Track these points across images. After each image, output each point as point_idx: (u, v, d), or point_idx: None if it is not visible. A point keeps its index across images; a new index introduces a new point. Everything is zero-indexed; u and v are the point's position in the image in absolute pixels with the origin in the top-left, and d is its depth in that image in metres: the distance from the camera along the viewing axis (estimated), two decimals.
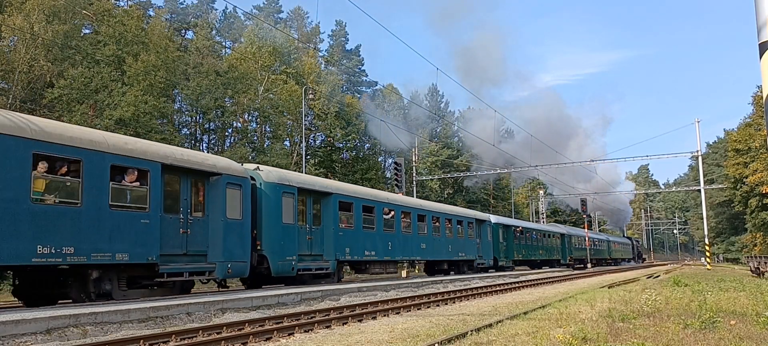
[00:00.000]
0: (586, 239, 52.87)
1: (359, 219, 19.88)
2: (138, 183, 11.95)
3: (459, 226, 27.62)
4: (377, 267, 21.63)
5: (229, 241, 14.08)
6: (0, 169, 9.61)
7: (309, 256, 17.49)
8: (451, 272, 27.78)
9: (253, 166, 17.13)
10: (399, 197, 25.36)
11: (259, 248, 15.56)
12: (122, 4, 45.84)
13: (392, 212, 22.10)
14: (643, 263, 79.37)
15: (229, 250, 14.09)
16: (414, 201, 26.51)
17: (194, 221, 13.44)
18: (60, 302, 11.64)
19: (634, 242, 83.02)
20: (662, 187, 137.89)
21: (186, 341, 8.43)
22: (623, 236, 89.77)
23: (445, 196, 58.36)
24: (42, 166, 10.31)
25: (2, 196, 9.60)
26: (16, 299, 12.51)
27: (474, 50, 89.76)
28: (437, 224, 25.69)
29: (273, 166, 25.62)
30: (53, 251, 10.21)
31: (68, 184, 10.75)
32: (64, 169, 10.77)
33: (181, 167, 13.11)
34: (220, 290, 15.64)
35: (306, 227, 17.51)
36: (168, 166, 12.68)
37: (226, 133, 45.06)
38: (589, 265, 50.47)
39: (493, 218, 33.92)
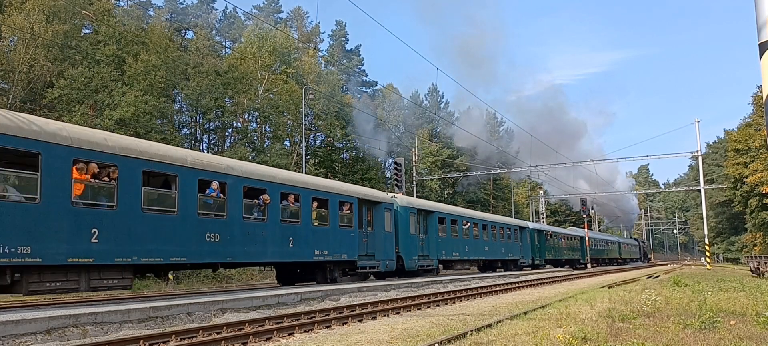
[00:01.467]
0: (604, 240, 63.10)
1: (449, 230, 26.97)
2: (349, 211, 19.15)
3: (509, 232, 34.00)
4: (458, 264, 30.33)
5: (386, 246, 21.24)
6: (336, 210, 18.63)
7: (423, 256, 24.42)
8: (500, 269, 33.47)
9: (390, 195, 24.03)
10: (471, 212, 32.06)
11: (397, 251, 22.12)
12: (122, 4, 45.83)
13: (467, 224, 28.83)
14: (648, 262, 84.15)
15: (386, 252, 21.22)
16: (478, 214, 33.73)
17: (369, 234, 20.43)
18: (297, 283, 18.73)
19: (641, 243, 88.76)
20: (662, 187, 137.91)
21: (186, 341, 8.43)
22: (630, 237, 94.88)
23: (445, 196, 58.35)
24: (315, 204, 17.68)
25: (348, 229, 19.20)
26: (277, 282, 19.78)
27: (465, 45, 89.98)
28: (494, 231, 32.08)
29: (273, 166, 27.28)
30: (322, 253, 17.58)
31: (324, 214, 17.95)
32: (316, 205, 17.64)
33: (365, 199, 20.44)
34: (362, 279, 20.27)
35: (421, 236, 24.43)
36: (360, 199, 20.00)
37: (226, 134, 45.05)
38: (588, 265, 50.60)
39: (531, 225, 38.31)
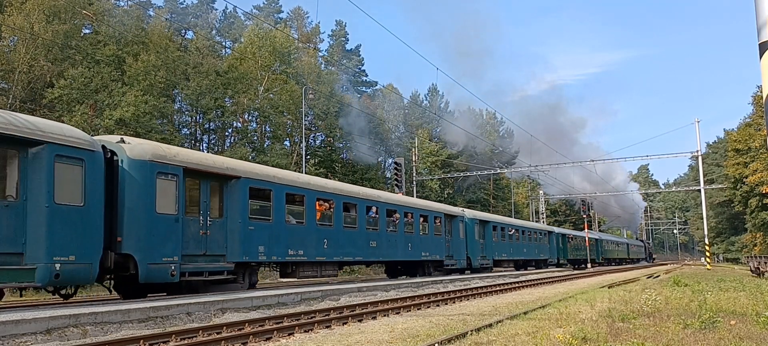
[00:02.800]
0: (615, 241, 68.80)
1: (499, 236, 33.61)
2: (439, 223, 25.56)
3: (540, 236, 31.73)
4: (505, 263, 34.73)
5: (460, 249, 27.79)
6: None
7: (483, 257, 30.49)
8: (532, 267, 33.52)
9: (460, 209, 30.21)
10: (513, 221, 33.22)
11: (467, 252, 28.53)
12: (122, 4, 45.83)
13: (512, 230, 34.52)
14: (653, 261, 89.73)
15: (460, 254, 27.82)
16: (518, 222, 33.85)
17: (450, 240, 26.79)
18: (401, 277, 24.79)
19: (646, 244, 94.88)
20: (662, 187, 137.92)
21: (186, 341, 8.43)
22: (636, 238, 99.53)
23: (445, 196, 58.37)
24: (422, 219, 24.51)
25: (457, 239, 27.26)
26: (386, 275, 26.23)
27: (458, 36, 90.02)
28: (528, 235, 31.01)
29: (273, 166, 27.56)
30: (426, 254, 24.23)
31: (426, 226, 24.76)
32: (422, 220, 24.41)
33: (448, 214, 27.08)
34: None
35: (481, 242, 30.48)
36: (446, 214, 26.67)
37: (226, 134, 45.04)
38: (589, 265, 50.64)
39: (556, 230, 36.20)
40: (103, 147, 11.66)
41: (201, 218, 13.69)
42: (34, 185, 10.01)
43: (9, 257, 9.55)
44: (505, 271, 34.44)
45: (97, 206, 11.06)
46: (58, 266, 10.10)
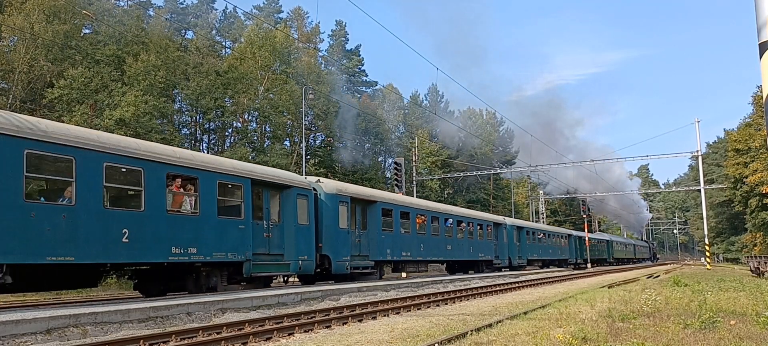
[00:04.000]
0: (624, 242, 74.54)
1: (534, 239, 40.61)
2: (490, 229, 31.63)
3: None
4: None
5: (504, 251, 33.68)
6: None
7: (520, 258, 36.36)
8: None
9: (502, 218, 35.72)
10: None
11: (507, 255, 34.52)
12: (122, 4, 45.82)
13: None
14: (657, 261, 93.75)
15: (504, 254, 33.62)
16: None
17: (496, 244, 32.64)
18: (457, 273, 29.47)
19: (651, 244, 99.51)
20: (662, 187, 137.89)
21: (186, 341, 8.43)
22: (642, 239, 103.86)
23: (445, 196, 58.35)
24: (479, 228, 30.70)
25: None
26: (447, 272, 30.83)
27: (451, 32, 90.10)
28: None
29: (273, 166, 28.57)
30: (482, 255, 30.33)
31: (481, 233, 30.67)
32: (479, 229, 30.20)
33: (494, 222, 33.29)
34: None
35: (517, 244, 36.03)
36: (494, 223, 32.88)
37: (226, 134, 45.03)
38: (588, 265, 50.71)
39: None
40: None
41: (357, 230, 20.29)
42: (287, 213, 16.56)
43: (277, 257, 16.19)
44: (532, 269, 39.04)
45: (313, 224, 17.52)
46: (300, 262, 16.61)
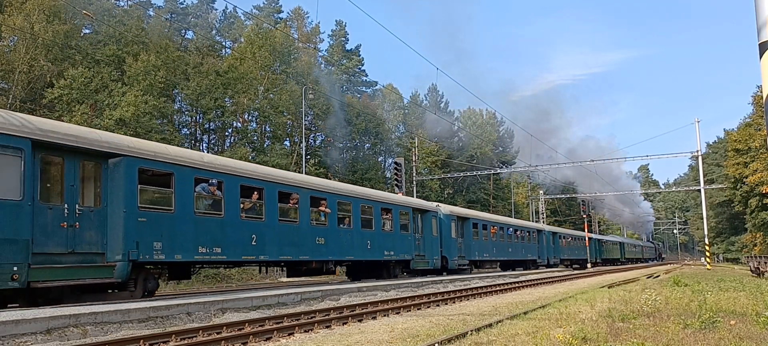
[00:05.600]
0: (632, 244, 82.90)
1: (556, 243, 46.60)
2: (530, 234, 39.59)
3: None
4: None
5: (543, 252, 41.62)
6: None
7: (556, 257, 45.12)
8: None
9: (540, 225, 42.21)
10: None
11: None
12: (122, 4, 45.81)
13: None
14: (663, 260, 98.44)
15: (545, 255, 41.89)
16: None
17: (539, 246, 40.51)
18: (511, 269, 36.30)
19: (656, 245, 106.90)
20: (662, 187, 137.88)
21: (186, 341, 8.43)
22: (648, 240, 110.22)
23: (446, 196, 58.33)
24: (518, 232, 37.78)
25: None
26: (500, 269, 35.56)
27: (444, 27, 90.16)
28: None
29: (272, 166, 28.86)
30: (526, 255, 38.27)
31: (525, 236, 38.40)
32: (518, 233, 37.40)
33: (536, 229, 41.87)
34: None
35: (556, 245, 45.60)
36: (538, 230, 41.96)
37: (226, 134, 45.02)
38: (589, 265, 50.76)
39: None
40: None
41: (459, 238, 27.91)
42: (427, 228, 24.63)
43: (424, 257, 24.03)
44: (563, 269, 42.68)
45: (439, 235, 25.60)
46: (435, 260, 24.96)
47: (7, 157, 9.70)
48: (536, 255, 39.46)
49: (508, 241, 35.03)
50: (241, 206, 14.38)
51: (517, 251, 36.56)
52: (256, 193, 15.00)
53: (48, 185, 10.56)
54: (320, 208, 17.69)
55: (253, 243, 14.59)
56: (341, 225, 18.78)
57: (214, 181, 13.73)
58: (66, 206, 10.68)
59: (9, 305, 10.43)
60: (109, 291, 11.89)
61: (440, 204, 29.20)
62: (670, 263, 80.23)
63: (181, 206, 12.57)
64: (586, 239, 52.24)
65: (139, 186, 11.71)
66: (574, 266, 49.76)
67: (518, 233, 36.93)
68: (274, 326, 9.83)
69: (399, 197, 25.55)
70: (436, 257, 25.19)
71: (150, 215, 11.88)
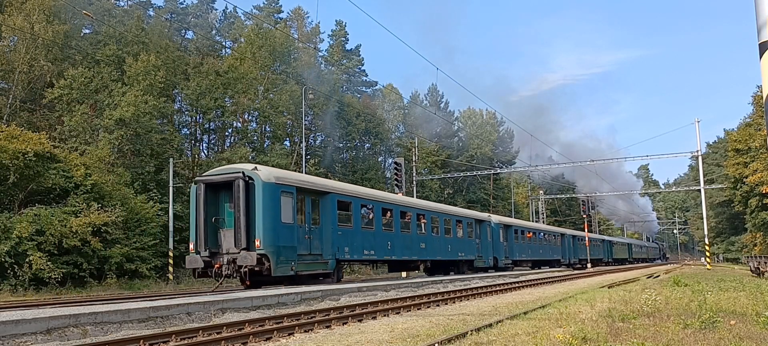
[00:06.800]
0: (639, 245, 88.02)
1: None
2: (555, 237, 47.01)
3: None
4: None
5: (574, 252, 50.48)
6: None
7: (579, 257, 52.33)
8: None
9: (562, 229, 51.08)
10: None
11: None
12: (122, 4, 45.81)
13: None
14: (667, 260, 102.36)
15: (575, 255, 50.41)
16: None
17: (572, 248, 50.33)
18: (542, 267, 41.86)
19: (660, 245, 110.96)
20: (662, 187, 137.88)
21: (186, 341, 8.43)
22: (653, 241, 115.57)
23: (445, 196, 58.31)
24: (553, 237, 47.38)
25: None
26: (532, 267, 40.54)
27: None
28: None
29: (273, 166, 29.40)
30: (564, 257, 47.85)
31: (554, 240, 46.95)
32: (550, 237, 46.25)
33: (570, 234, 50.85)
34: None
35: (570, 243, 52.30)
36: (562, 234, 49.23)
37: (226, 134, 45.00)
38: (588, 265, 50.79)
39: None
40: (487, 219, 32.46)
41: (504, 242, 34.11)
42: (484, 235, 31.24)
43: (482, 257, 30.70)
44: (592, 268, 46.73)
45: (491, 240, 32.01)
46: (489, 260, 31.47)
47: (289, 198, 16.51)
48: (560, 256, 46.47)
49: (538, 244, 42.10)
50: (382, 222, 21.38)
51: (545, 252, 43.46)
52: (389, 212, 22.02)
53: (300, 214, 17.16)
54: (422, 221, 24.44)
55: (388, 247, 21.76)
56: (433, 234, 25.57)
57: (370, 205, 20.73)
58: (306, 225, 17.41)
59: (283, 284, 16.60)
60: (321, 279, 18.27)
61: (492, 215, 36.71)
62: (671, 263, 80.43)
63: (355, 223, 19.63)
64: (587, 239, 52.36)
65: (337, 212, 18.51)
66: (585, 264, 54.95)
67: (546, 236, 44.21)
68: (274, 326, 9.82)
69: (466, 211, 33.24)
70: (490, 257, 32.44)
71: (343, 230, 18.86)
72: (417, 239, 23.84)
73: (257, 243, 15.37)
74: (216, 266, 15.52)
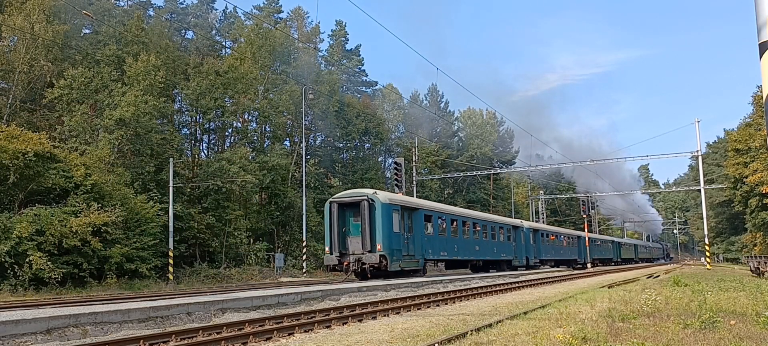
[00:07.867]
0: (645, 245, 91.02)
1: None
2: (570, 239, 52.14)
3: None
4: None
5: (580, 253, 52.83)
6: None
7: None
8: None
9: (577, 232, 54.67)
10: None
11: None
12: (122, 4, 45.80)
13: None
14: (671, 260, 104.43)
15: (582, 256, 52.51)
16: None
17: (580, 248, 52.90)
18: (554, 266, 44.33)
19: (664, 245, 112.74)
20: (662, 187, 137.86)
21: (186, 341, 8.43)
22: (657, 241, 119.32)
23: (445, 196, 58.29)
24: (566, 240, 51.91)
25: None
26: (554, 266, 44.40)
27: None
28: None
29: (272, 166, 32.03)
30: (573, 257, 51.58)
31: (571, 242, 52.43)
32: (566, 240, 51.56)
33: (576, 236, 53.53)
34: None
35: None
36: (572, 235, 53.21)
37: (226, 134, 44.98)
38: (589, 265, 50.83)
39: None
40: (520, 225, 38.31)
41: (534, 244, 39.05)
42: (518, 238, 36.86)
43: (517, 257, 36.03)
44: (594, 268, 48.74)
45: (523, 242, 37.54)
46: (522, 259, 36.82)
47: (397, 214, 22.05)
48: (577, 256, 50.92)
49: (559, 245, 46.81)
50: (451, 230, 27.32)
51: (565, 253, 48.00)
52: (455, 222, 28.04)
53: (402, 225, 22.43)
54: (477, 229, 30.31)
55: (455, 250, 27.57)
56: (484, 239, 31.19)
57: (443, 217, 26.61)
58: (406, 233, 22.79)
59: (393, 277, 21.51)
60: (412, 274, 23.47)
61: (523, 221, 40.90)
62: (668, 263, 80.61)
63: (435, 231, 25.32)
64: (586, 239, 52.41)
65: (424, 222, 24.17)
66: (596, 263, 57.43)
67: (565, 239, 49.23)
68: (274, 326, 9.82)
69: (505, 219, 38.44)
70: (523, 257, 36.97)
71: (427, 237, 24.48)
72: (473, 243, 30.05)
73: (378, 247, 20.94)
74: (345, 263, 21.20)
